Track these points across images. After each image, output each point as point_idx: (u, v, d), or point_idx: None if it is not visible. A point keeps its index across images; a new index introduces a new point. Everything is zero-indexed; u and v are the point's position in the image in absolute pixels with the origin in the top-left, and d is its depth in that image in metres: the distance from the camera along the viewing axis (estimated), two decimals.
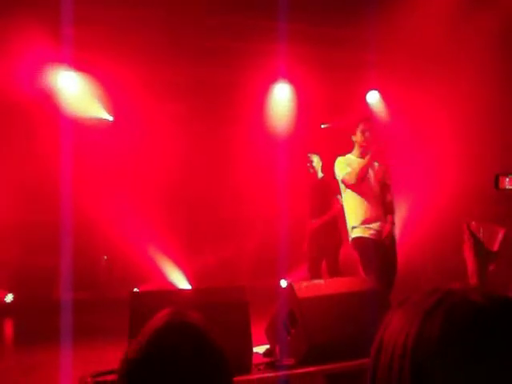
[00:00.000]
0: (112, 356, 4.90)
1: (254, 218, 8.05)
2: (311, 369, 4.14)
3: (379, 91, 8.58)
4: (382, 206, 5.39)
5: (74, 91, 6.98)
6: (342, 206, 6.35)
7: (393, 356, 0.83)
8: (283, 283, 8.21)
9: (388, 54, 7.40)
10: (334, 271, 6.58)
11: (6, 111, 7.00)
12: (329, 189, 6.49)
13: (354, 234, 5.30)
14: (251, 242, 8.08)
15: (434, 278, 8.60)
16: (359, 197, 5.38)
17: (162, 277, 7.28)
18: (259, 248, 8.00)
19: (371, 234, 5.28)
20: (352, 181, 5.26)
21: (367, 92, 8.56)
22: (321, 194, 6.57)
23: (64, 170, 6.36)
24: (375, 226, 5.29)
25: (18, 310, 7.30)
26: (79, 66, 6.83)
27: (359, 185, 5.31)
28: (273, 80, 7.77)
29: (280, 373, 4.10)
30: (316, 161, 6.68)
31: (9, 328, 7.22)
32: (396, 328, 0.85)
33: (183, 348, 1.23)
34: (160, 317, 1.33)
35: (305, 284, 4.55)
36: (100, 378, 4.00)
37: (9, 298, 7.59)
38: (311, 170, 6.65)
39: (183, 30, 6.56)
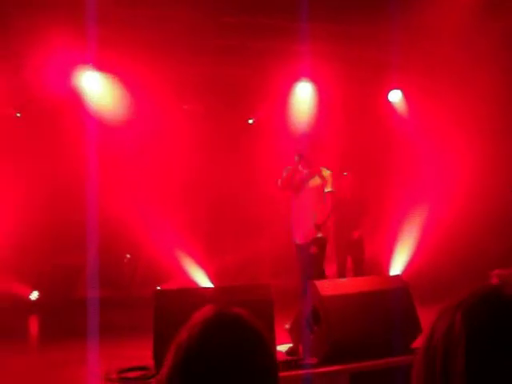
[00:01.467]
0: (135, 353, 4.98)
1: (274, 216, 8.05)
2: (334, 368, 4.13)
3: (401, 90, 8.53)
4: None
5: (99, 91, 7.06)
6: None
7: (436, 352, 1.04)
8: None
9: (410, 53, 7.35)
10: (359, 270, 6.94)
11: (34, 112, 7.12)
12: (360, 204, 7.20)
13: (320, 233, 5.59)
14: (272, 240, 8.09)
15: (455, 277, 8.53)
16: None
17: (184, 275, 7.32)
18: (279, 247, 8.00)
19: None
20: (278, 187, 5.64)
21: (389, 91, 8.51)
22: (353, 209, 7.13)
23: (90, 170, 6.44)
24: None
25: (43, 308, 7.40)
26: (103, 66, 6.90)
27: (287, 191, 5.67)
28: (295, 79, 7.76)
29: (303, 371, 4.10)
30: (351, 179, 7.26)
31: (34, 325, 7.32)
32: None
33: (237, 339, 1.25)
34: (207, 310, 1.35)
35: (328, 282, 4.55)
36: (125, 375, 4.05)
37: (34, 295, 7.71)
38: (348, 187, 7.20)
39: (205, 30, 6.58)
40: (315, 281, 4.46)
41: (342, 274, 6.99)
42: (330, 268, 7.18)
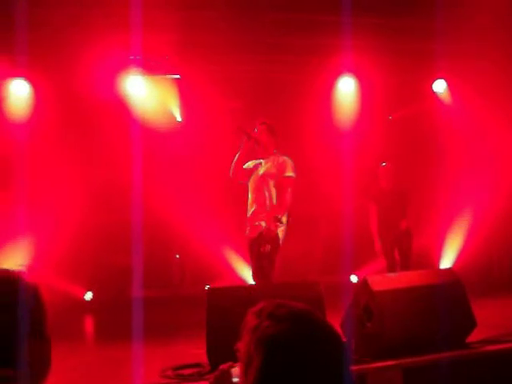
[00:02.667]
0: (188, 350, 5.05)
1: (322, 213, 8.03)
2: (387, 363, 4.10)
3: (446, 80, 8.37)
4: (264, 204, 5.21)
5: (144, 95, 7.19)
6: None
7: None
8: (353, 278, 8.17)
9: (454, 43, 7.21)
10: (406, 266, 6.77)
11: (80, 117, 7.31)
12: (403, 196, 7.00)
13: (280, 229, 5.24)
14: (319, 238, 8.07)
15: (508, 269, 8.33)
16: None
17: (232, 273, 7.38)
18: (327, 244, 7.97)
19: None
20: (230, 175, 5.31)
21: (434, 81, 8.37)
22: (395, 199, 6.93)
23: (136, 170, 6.56)
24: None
25: (97, 308, 7.60)
26: (148, 69, 7.03)
27: (237, 180, 5.33)
28: (338, 74, 7.72)
29: (356, 367, 4.08)
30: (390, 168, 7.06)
31: (89, 324, 7.52)
32: None
33: (317, 334, 1.28)
34: (278, 305, 1.38)
35: (379, 277, 4.51)
36: (180, 371, 4.12)
37: (88, 296, 7.92)
38: (387, 178, 6.99)
39: (247, 28, 6.61)
40: (367, 276, 4.42)
41: (392, 268, 6.82)
42: (379, 263, 7.11)
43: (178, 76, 7.31)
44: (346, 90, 7.87)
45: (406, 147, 7.94)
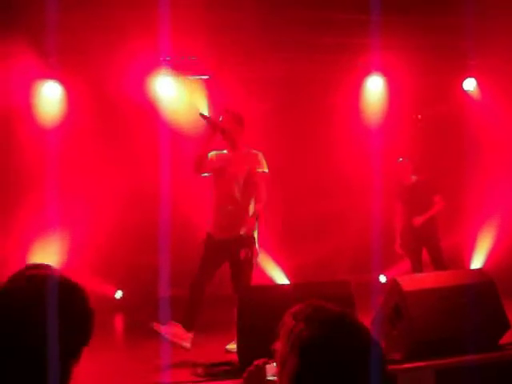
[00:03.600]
0: (218, 348, 5.08)
1: (351, 212, 8.00)
2: (419, 364, 4.08)
3: (476, 79, 8.27)
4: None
5: (173, 96, 7.26)
6: (442, 204, 6.69)
7: None
8: (382, 278, 8.12)
9: (484, 41, 7.12)
10: (440, 264, 6.58)
11: (110, 117, 7.41)
12: (427, 187, 6.74)
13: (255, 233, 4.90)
14: (348, 237, 8.04)
15: None
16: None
17: (261, 273, 7.39)
18: (356, 243, 7.93)
19: None
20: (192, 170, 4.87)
21: (464, 80, 8.28)
22: (419, 194, 6.72)
23: (165, 170, 6.62)
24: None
25: (127, 306, 7.69)
26: (177, 70, 7.10)
27: (202, 173, 4.87)
28: (367, 72, 7.68)
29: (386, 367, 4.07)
30: (408, 163, 6.87)
31: (119, 323, 7.62)
32: None
33: (352, 338, 1.30)
34: (316, 307, 1.39)
35: (409, 277, 4.49)
36: (211, 370, 4.16)
37: (118, 294, 8.02)
38: (407, 173, 6.82)
39: (276, 27, 6.63)
40: (396, 276, 4.41)
41: (416, 268, 6.65)
42: (407, 263, 7.03)
43: (207, 76, 7.36)
44: (375, 89, 7.83)
45: (435, 146, 7.86)
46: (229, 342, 4.89)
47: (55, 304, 1.32)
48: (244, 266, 4.81)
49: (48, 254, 6.31)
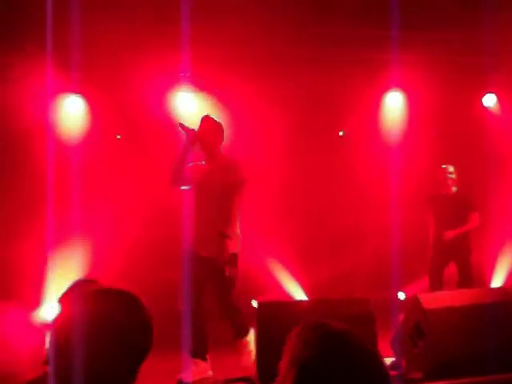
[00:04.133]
0: (236, 363, 5.06)
1: (370, 229, 7.95)
2: (441, 383, 4.02)
3: (496, 94, 8.22)
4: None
5: (193, 110, 7.31)
6: (477, 223, 6.48)
7: None
8: (401, 295, 8.03)
9: (503, 56, 7.09)
10: (468, 281, 6.39)
11: (132, 131, 7.48)
12: (465, 201, 6.50)
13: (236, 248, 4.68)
14: (366, 253, 7.99)
15: None
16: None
17: (279, 288, 7.37)
18: (374, 260, 7.88)
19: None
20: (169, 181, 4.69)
21: (484, 95, 8.23)
22: (456, 207, 6.47)
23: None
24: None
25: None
26: (196, 85, 7.16)
27: (179, 186, 4.71)
28: (385, 89, 7.68)
29: None
30: (452, 171, 6.63)
31: None
32: None
33: (352, 358, 1.28)
34: (317, 326, 1.38)
35: (430, 295, 4.44)
36: None
37: None
38: (449, 182, 6.57)
39: (295, 42, 6.66)
40: (417, 293, 4.37)
41: (435, 286, 6.40)
42: (423, 281, 6.91)
43: (224, 91, 7.41)
44: (394, 104, 7.81)
45: (455, 162, 7.80)
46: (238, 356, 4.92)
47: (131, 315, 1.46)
48: (228, 285, 4.67)
49: (69, 264, 6.36)
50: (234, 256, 4.66)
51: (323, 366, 1.26)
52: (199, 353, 4.76)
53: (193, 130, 4.68)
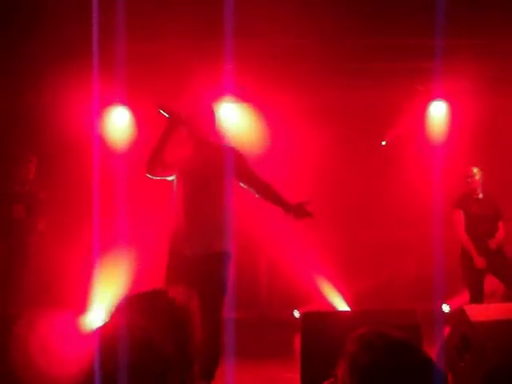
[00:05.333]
0: (278, 374, 5.08)
1: (413, 239, 7.86)
2: None
3: None
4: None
5: (236, 121, 7.41)
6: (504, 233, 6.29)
7: None
8: (445, 308, 7.90)
9: None
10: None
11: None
12: (494, 209, 6.33)
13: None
14: (409, 264, 7.90)
15: None
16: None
17: (321, 298, 7.35)
18: (418, 271, 7.79)
19: None
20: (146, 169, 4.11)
21: None
22: (486, 214, 6.31)
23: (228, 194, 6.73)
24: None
25: None
26: (239, 97, 7.25)
27: (156, 175, 4.11)
28: (429, 99, 7.61)
29: None
30: (475, 173, 6.40)
31: None
32: None
33: (414, 364, 1.30)
34: (376, 333, 1.41)
35: (477, 307, 4.37)
36: None
37: None
38: (474, 184, 6.37)
39: (336, 53, 6.68)
40: (464, 306, 4.30)
41: (477, 298, 6.15)
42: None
43: (265, 103, 7.48)
44: (438, 115, 7.73)
45: (500, 174, 7.65)
46: (282, 366, 4.80)
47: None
48: (218, 293, 3.93)
49: (116, 272, 6.50)
50: (228, 255, 4.06)
51: (386, 372, 1.29)
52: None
53: (175, 112, 4.08)
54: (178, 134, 4.17)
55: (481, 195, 6.45)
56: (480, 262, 6.23)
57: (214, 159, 4.12)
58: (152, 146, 4.19)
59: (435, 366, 1.36)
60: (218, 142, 4.44)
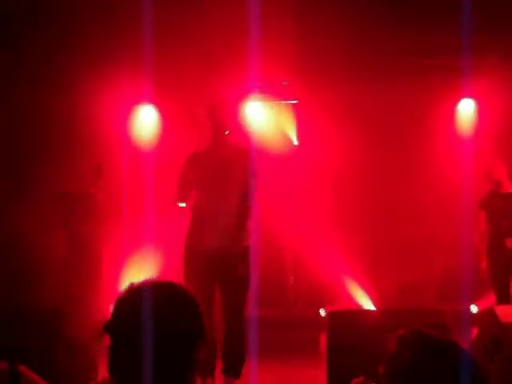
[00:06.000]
0: (304, 372, 5.07)
1: (440, 239, 7.78)
2: None
3: None
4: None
5: (262, 120, 7.42)
6: None
7: None
8: (473, 308, 7.80)
9: None
10: None
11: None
12: None
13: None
14: (437, 264, 7.82)
15: None
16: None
17: (347, 297, 7.32)
18: (445, 271, 7.71)
19: None
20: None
21: None
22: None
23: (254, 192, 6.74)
24: None
25: None
26: (267, 95, 7.27)
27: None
28: (459, 97, 7.53)
29: None
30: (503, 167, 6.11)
31: None
32: None
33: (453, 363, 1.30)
34: (415, 335, 1.40)
35: (509, 308, 4.31)
36: None
37: None
38: (503, 180, 6.07)
39: (364, 52, 6.65)
40: (494, 307, 4.25)
41: (502, 299, 5.90)
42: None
43: (295, 101, 7.48)
44: (467, 113, 7.64)
45: None
46: (308, 365, 4.75)
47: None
48: (240, 286, 3.92)
49: (140, 270, 6.56)
50: (247, 249, 3.99)
51: (430, 373, 1.29)
52: (207, 371, 4.09)
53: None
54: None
55: (503, 189, 6.08)
56: (483, 266, 6.01)
57: (232, 160, 4.12)
58: (176, 181, 4.28)
59: (477, 366, 1.36)
60: (240, 140, 4.47)
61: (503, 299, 5.89)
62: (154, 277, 1.52)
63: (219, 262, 3.93)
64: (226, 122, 4.17)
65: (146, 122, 7.35)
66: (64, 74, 6.59)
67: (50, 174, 6.71)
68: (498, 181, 6.14)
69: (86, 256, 6.23)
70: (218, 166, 4.10)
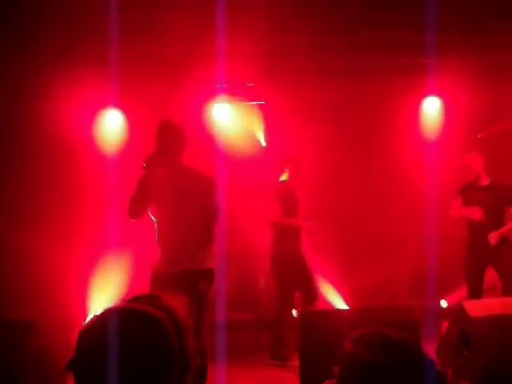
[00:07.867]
0: (279, 374, 5.05)
1: (410, 236, 7.85)
2: None
3: None
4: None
5: (229, 121, 7.38)
6: None
7: None
8: (443, 303, 7.89)
9: None
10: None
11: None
12: (504, 195, 5.91)
13: None
14: (406, 260, 7.89)
15: None
16: None
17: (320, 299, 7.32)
18: (415, 267, 7.78)
19: None
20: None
21: None
22: (493, 201, 5.93)
23: (221, 195, 6.69)
24: None
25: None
26: (233, 96, 7.22)
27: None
28: (423, 94, 7.60)
29: None
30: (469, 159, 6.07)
31: None
32: None
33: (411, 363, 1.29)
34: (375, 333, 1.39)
35: (476, 303, 4.36)
36: None
37: None
38: (469, 175, 6.08)
39: (331, 50, 6.65)
40: (462, 301, 4.29)
41: (475, 293, 5.87)
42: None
43: (262, 102, 7.46)
44: (432, 111, 7.72)
45: (495, 170, 7.65)
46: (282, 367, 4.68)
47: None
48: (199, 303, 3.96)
49: (108, 277, 6.45)
50: (211, 271, 4.14)
51: (386, 372, 1.28)
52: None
53: (151, 159, 4.18)
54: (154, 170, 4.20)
55: (488, 182, 6.03)
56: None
57: (187, 185, 4.19)
58: (132, 194, 4.26)
59: (433, 364, 1.36)
60: (191, 166, 4.41)
61: (475, 294, 5.86)
62: (119, 302, 1.41)
63: (177, 281, 3.93)
64: (171, 142, 4.21)
65: (111, 125, 7.23)
66: (27, 76, 6.44)
67: (9, 179, 6.54)
68: (479, 173, 6.09)
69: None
70: (168, 198, 4.18)
